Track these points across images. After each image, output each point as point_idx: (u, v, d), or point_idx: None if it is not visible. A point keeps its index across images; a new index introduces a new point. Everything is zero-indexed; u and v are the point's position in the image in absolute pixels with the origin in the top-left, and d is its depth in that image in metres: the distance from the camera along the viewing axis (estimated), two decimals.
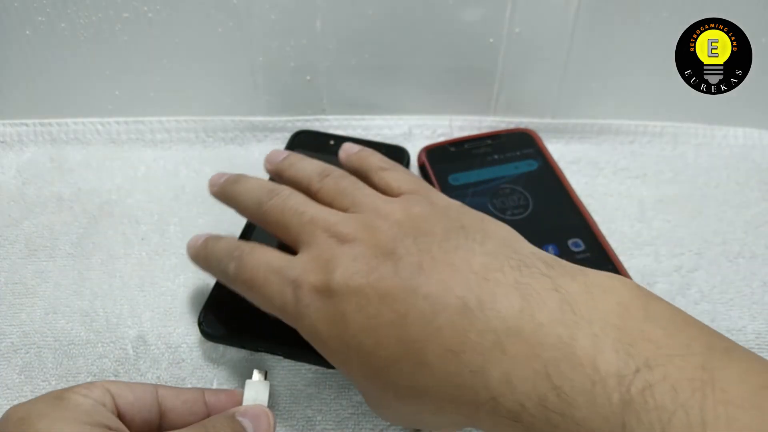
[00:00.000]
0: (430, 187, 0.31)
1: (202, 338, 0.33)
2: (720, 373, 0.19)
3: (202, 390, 0.29)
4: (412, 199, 0.29)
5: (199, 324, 0.33)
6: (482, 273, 0.23)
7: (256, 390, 0.29)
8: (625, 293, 0.22)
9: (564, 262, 0.24)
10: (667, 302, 0.23)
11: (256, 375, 0.30)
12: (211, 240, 0.31)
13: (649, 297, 0.22)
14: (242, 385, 0.29)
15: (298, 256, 0.27)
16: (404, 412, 0.25)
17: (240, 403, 0.29)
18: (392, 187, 0.30)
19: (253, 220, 0.31)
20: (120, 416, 0.25)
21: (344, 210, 0.29)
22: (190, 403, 0.28)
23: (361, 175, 0.32)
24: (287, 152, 0.34)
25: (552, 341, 0.21)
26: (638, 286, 0.23)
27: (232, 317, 0.32)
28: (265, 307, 0.28)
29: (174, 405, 0.27)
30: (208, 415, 0.28)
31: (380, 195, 0.29)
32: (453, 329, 0.22)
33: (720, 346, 0.20)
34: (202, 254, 0.31)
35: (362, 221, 0.27)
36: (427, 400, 0.23)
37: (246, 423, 0.26)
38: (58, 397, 0.24)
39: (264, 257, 0.28)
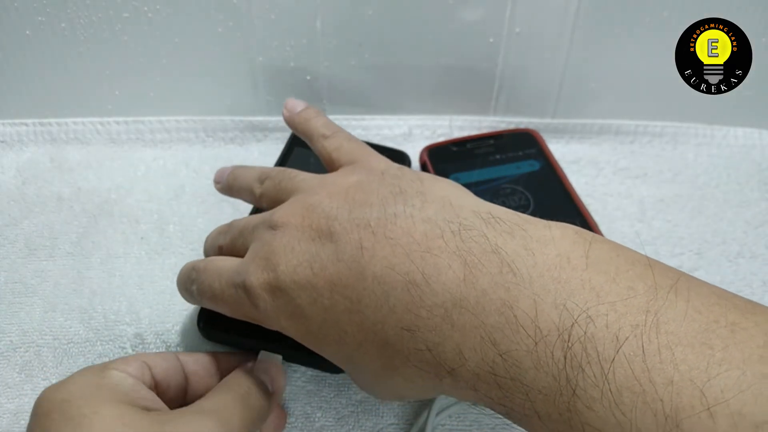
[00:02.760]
0: (371, 151, 0.30)
1: (201, 337, 0.33)
2: (665, 313, 0.19)
3: (216, 353, 0.30)
4: (348, 170, 0.29)
5: (198, 323, 0.32)
6: (424, 243, 0.23)
7: (269, 357, 0.30)
8: (564, 243, 0.22)
9: (504, 215, 0.24)
10: (611, 242, 0.22)
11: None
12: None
13: (592, 241, 0.22)
14: None
15: (245, 257, 0.27)
16: (385, 388, 0.25)
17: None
18: (332, 159, 0.30)
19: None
20: (156, 385, 0.26)
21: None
22: (208, 366, 0.29)
23: (306, 139, 0.32)
24: (231, 167, 0.34)
25: (495, 307, 0.21)
26: (578, 232, 0.22)
27: (231, 318, 0.32)
28: (238, 317, 0.27)
29: (195, 369, 0.28)
30: (223, 377, 0.28)
31: (316, 175, 0.29)
32: (404, 308, 0.22)
33: (666, 284, 0.20)
34: (178, 288, 0.31)
35: (295, 202, 0.27)
36: (398, 377, 0.24)
37: (263, 376, 0.28)
38: (98, 375, 0.24)
39: (215, 270, 0.28)
